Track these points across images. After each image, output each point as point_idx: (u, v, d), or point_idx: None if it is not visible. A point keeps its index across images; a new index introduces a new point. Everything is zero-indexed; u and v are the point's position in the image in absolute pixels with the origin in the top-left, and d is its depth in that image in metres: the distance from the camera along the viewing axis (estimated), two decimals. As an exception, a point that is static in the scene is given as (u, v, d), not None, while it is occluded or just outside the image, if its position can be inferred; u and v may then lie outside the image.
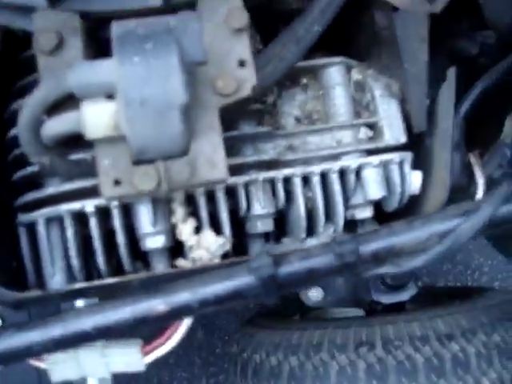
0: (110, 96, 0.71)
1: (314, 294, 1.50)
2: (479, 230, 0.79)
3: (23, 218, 0.91)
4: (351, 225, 0.99)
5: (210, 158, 0.75)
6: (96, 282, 0.83)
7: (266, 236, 0.96)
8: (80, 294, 0.84)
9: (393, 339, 1.12)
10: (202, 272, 0.82)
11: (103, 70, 0.70)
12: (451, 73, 0.95)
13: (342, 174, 0.95)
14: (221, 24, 0.80)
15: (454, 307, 1.24)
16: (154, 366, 2.10)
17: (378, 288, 1.51)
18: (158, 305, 0.78)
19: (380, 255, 0.80)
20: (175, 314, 0.79)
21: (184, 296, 0.79)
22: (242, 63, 0.79)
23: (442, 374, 1.07)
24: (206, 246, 0.86)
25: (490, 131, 1.04)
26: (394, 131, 0.97)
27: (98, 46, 0.84)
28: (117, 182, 0.73)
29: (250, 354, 1.26)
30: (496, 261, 2.31)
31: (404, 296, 1.49)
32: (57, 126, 0.72)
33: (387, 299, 1.43)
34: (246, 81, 0.78)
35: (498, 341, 1.13)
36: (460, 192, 1.02)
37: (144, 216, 0.87)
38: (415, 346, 1.11)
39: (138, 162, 0.73)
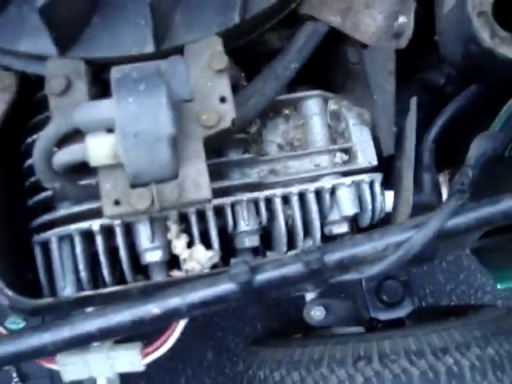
0: (110, 130, 0.82)
1: (317, 314, 1.59)
2: (429, 240, 0.88)
3: (38, 237, 1.00)
4: (331, 240, 1.06)
5: (196, 181, 0.85)
6: (101, 290, 0.93)
7: (255, 251, 1.05)
8: (87, 302, 0.94)
9: (389, 353, 1.15)
10: (191, 281, 0.92)
11: (103, 109, 0.82)
12: (413, 103, 1.04)
13: (319, 193, 1.04)
14: (204, 66, 0.90)
15: (449, 322, 1.28)
16: (166, 386, 2.17)
17: (376, 305, 1.58)
18: (152, 309, 0.88)
19: (344, 263, 0.89)
20: (167, 317, 0.89)
21: (175, 301, 0.88)
22: (222, 99, 0.89)
23: (437, 386, 1.10)
24: (198, 258, 0.96)
25: (459, 154, 1.13)
26: (366, 155, 1.07)
27: (103, 86, 0.93)
28: (117, 203, 0.84)
29: (255, 370, 1.28)
30: (498, 280, 2.36)
31: (400, 313, 1.51)
32: (66, 156, 0.84)
33: (384, 316, 1.46)
34: (226, 114, 0.89)
35: (492, 354, 1.15)
36: (430, 209, 1.12)
37: (143, 234, 0.97)
38: (411, 360, 1.13)
39: (134, 185, 0.84)
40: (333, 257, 0.89)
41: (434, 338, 1.19)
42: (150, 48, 0.92)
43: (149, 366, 2.12)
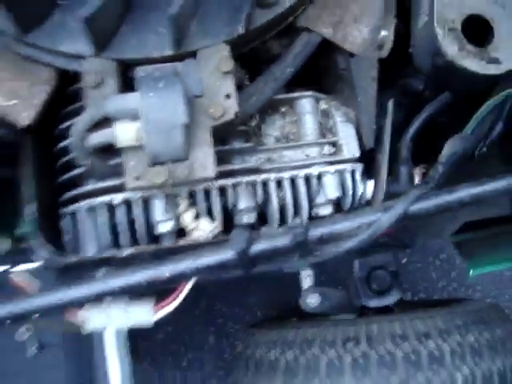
0: (134, 118, 1.01)
1: (312, 301, 1.76)
2: (395, 221, 1.05)
3: (67, 210, 1.15)
4: (318, 221, 1.24)
5: (203, 163, 1.04)
6: (120, 252, 1.11)
7: (252, 227, 1.20)
8: (108, 262, 1.11)
9: (376, 336, 1.31)
10: (194, 247, 1.10)
11: (130, 101, 1.01)
12: (389, 106, 1.22)
13: (308, 179, 1.22)
14: (213, 68, 1.08)
15: (434, 311, 1.43)
16: (169, 367, 2.34)
17: (367, 293, 1.72)
18: (164, 272, 1.05)
19: (324, 238, 1.06)
20: (176, 279, 1.07)
21: (182, 265, 1.05)
22: (228, 96, 1.07)
23: (418, 367, 1.27)
24: (203, 229, 1.13)
25: (434, 150, 1.25)
26: (350, 148, 1.25)
27: (129, 82, 1.10)
28: (137, 178, 1.02)
29: (252, 350, 1.47)
30: (488, 279, 2.45)
31: (389, 300, 1.64)
32: (98, 137, 1.03)
33: (374, 303, 1.62)
34: (230, 108, 1.07)
35: (471, 341, 1.32)
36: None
37: (157, 208, 1.12)
38: (396, 343, 1.30)
39: (152, 164, 1.03)
40: (315, 232, 1.07)
41: (418, 323, 1.34)
42: (169, 52, 1.09)
43: (153, 347, 2.31)
